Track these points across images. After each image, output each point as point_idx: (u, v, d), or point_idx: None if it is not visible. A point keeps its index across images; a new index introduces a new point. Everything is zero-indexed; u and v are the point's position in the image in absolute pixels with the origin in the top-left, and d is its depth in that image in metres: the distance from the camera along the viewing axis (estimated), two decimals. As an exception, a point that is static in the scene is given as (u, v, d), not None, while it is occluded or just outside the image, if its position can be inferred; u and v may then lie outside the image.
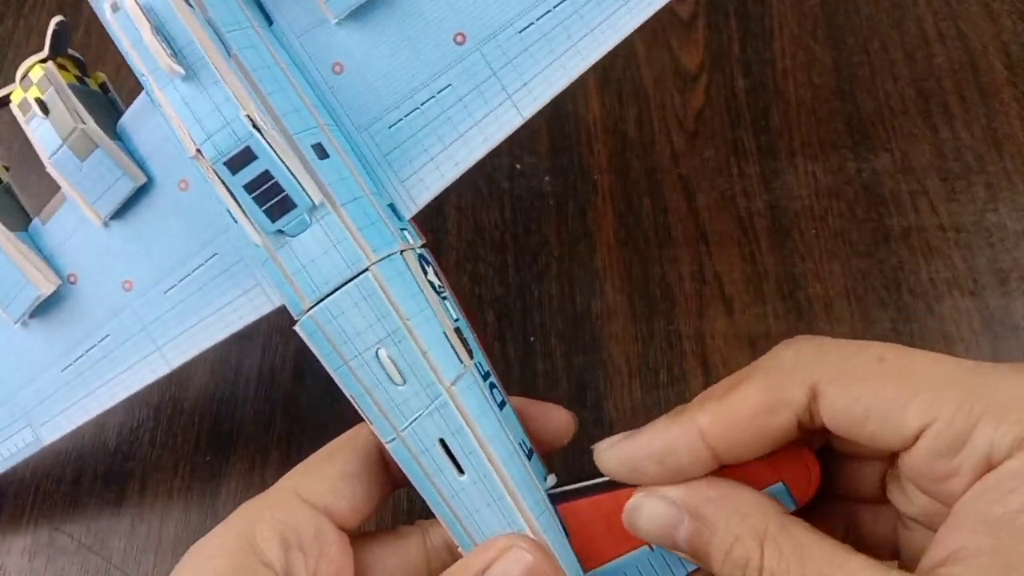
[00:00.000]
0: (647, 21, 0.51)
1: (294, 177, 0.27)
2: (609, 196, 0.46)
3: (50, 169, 0.32)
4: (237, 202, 0.28)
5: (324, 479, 0.29)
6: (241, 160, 0.27)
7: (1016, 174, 0.46)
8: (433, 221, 0.45)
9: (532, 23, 0.29)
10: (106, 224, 0.33)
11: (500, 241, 0.44)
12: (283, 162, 0.27)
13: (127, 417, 0.43)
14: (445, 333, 0.29)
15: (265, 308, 0.32)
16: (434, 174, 0.30)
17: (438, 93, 0.29)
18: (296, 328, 0.29)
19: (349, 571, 0.29)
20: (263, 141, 0.27)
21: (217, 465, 0.41)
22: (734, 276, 0.43)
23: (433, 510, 0.30)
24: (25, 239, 0.35)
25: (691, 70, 0.50)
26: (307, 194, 0.27)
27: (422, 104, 0.29)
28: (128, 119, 0.33)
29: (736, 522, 0.26)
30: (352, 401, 0.30)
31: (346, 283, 0.28)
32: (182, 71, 0.27)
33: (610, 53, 0.50)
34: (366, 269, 0.28)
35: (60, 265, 0.35)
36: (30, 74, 0.32)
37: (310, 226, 0.28)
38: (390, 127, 0.30)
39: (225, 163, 0.27)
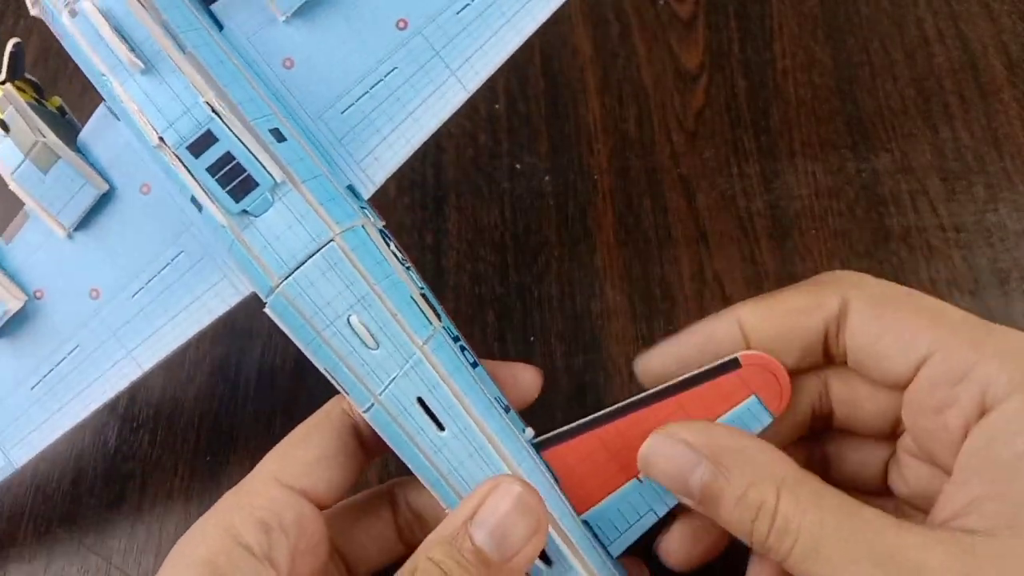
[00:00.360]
0: (647, 21, 0.51)
1: (255, 157, 0.29)
2: (609, 196, 0.46)
3: (12, 185, 0.33)
4: (200, 185, 0.29)
5: (301, 462, 0.30)
6: (203, 143, 0.29)
7: (1016, 174, 0.46)
8: (433, 221, 0.45)
9: (468, 4, 0.31)
10: (70, 236, 0.33)
11: (500, 241, 0.44)
12: (243, 143, 0.29)
13: (127, 417, 0.43)
14: (412, 297, 0.30)
15: (233, 299, 0.32)
16: (388, 153, 0.32)
17: (385, 76, 0.31)
18: (266, 310, 0.30)
19: (326, 548, 0.30)
20: (222, 124, 0.29)
21: (217, 465, 0.41)
22: (734, 276, 0.43)
23: (417, 474, 0.30)
24: None
25: (691, 70, 0.50)
26: (268, 172, 0.29)
27: (371, 88, 0.31)
28: (87, 133, 0.33)
29: (753, 469, 0.26)
30: (327, 375, 0.30)
31: (312, 255, 0.29)
32: (141, 64, 0.29)
33: (610, 53, 0.50)
34: (331, 240, 0.29)
35: (25, 281, 0.34)
36: None
37: (273, 204, 0.29)
38: (342, 112, 0.31)
39: (187, 147, 0.29)
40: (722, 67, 0.50)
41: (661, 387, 0.30)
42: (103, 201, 0.33)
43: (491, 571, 0.26)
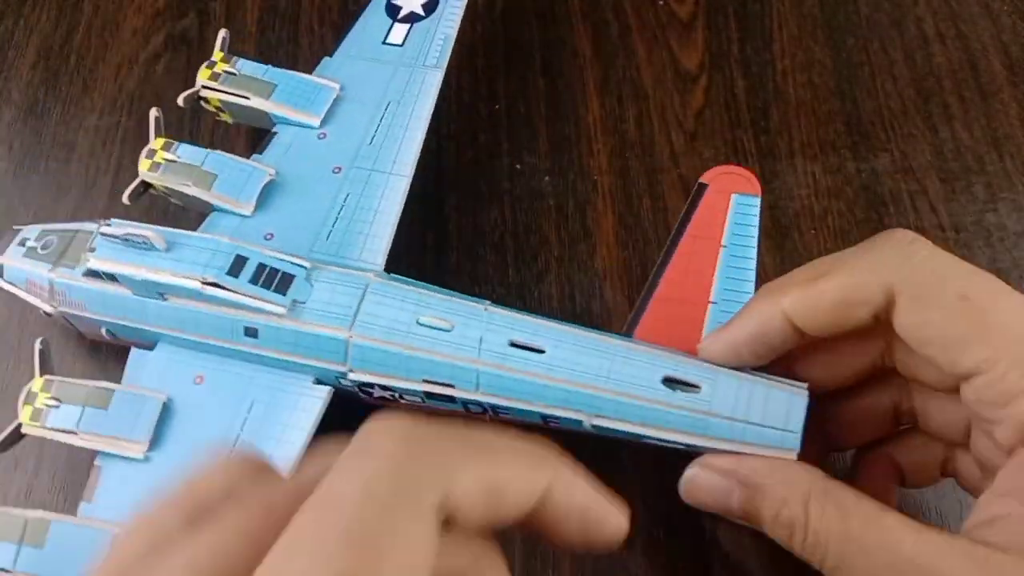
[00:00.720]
0: (647, 21, 0.51)
1: (281, 259, 0.35)
2: (609, 196, 0.46)
3: (81, 440, 0.34)
4: (250, 295, 0.34)
5: None
6: (238, 265, 0.35)
7: (1016, 174, 0.46)
8: (433, 221, 0.45)
9: (375, 132, 0.41)
10: (146, 458, 0.34)
11: (500, 241, 0.44)
12: (268, 254, 0.35)
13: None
14: (450, 292, 0.36)
15: (319, 404, 0.35)
16: (375, 242, 0.38)
17: (344, 202, 0.39)
18: (350, 376, 0.34)
19: None
20: (246, 247, 0.35)
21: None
22: (734, 276, 0.43)
23: (549, 408, 0.33)
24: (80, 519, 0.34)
25: (691, 70, 0.50)
26: (298, 264, 0.35)
27: (339, 214, 0.39)
28: (128, 379, 0.36)
29: (782, 488, 0.28)
30: (422, 388, 0.34)
31: (362, 299, 0.35)
32: (164, 242, 0.35)
33: (610, 53, 0.50)
34: (369, 282, 0.35)
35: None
36: (32, 389, 0.35)
37: (313, 287, 0.35)
38: (327, 239, 0.38)
39: (227, 273, 0.34)
40: (722, 67, 0.50)
41: (671, 238, 0.35)
42: (165, 414, 0.35)
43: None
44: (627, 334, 0.35)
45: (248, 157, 0.40)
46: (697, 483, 0.31)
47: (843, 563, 0.26)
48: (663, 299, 0.34)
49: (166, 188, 0.39)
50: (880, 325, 0.29)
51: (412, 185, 0.46)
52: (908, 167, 0.46)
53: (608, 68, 0.50)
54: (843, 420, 0.32)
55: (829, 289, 0.28)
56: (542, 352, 0.33)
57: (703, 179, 0.36)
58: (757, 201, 0.35)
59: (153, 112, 0.40)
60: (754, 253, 0.35)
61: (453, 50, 0.45)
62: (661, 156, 0.47)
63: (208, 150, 0.40)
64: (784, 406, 0.30)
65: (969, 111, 0.48)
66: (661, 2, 0.52)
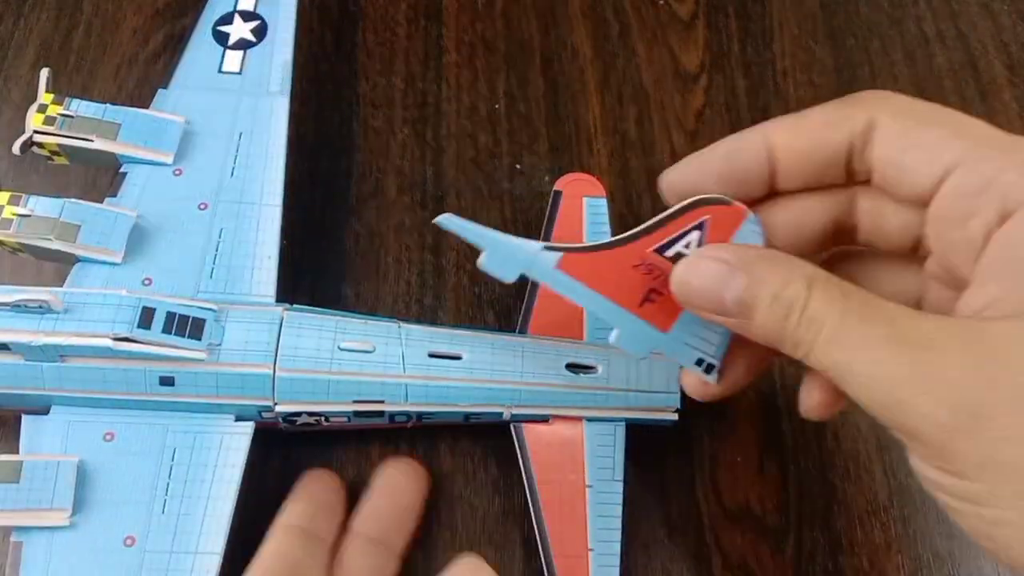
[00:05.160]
0: (647, 21, 0.51)
1: (188, 305, 0.35)
2: (609, 196, 0.46)
3: (2, 520, 0.33)
4: (166, 345, 0.34)
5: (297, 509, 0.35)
6: (147, 316, 0.34)
7: (1016, 174, 0.46)
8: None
9: (233, 167, 0.40)
10: (72, 524, 0.33)
11: (500, 241, 0.44)
12: (173, 302, 0.35)
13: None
14: (358, 313, 0.38)
15: (244, 441, 0.35)
16: (262, 274, 0.38)
17: (220, 237, 0.38)
18: (278, 408, 0.35)
19: None
20: (150, 298, 0.35)
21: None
22: (734, 276, 0.43)
23: (467, 406, 0.36)
24: None
25: (691, 70, 0.50)
26: (206, 308, 0.35)
27: (217, 250, 0.38)
28: (27, 444, 0.35)
29: (786, 270, 0.27)
30: (352, 408, 0.35)
31: (280, 332, 0.35)
32: (62, 306, 0.34)
33: (610, 53, 0.50)
34: (282, 314, 0.36)
35: None
36: None
37: (225, 327, 0.35)
38: (211, 277, 0.37)
39: (139, 326, 0.34)
40: (722, 67, 0.50)
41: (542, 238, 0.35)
42: (81, 477, 0.33)
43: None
44: (523, 331, 0.38)
45: (95, 201, 0.38)
46: (694, 272, 0.29)
47: (838, 339, 0.26)
48: (546, 295, 0.38)
49: (20, 244, 0.37)
50: (849, 178, 0.29)
51: (413, 185, 0.46)
52: (908, 167, 0.46)
53: (608, 68, 0.50)
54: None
55: (814, 113, 0.29)
56: (459, 358, 0.36)
57: (557, 186, 0.41)
58: (604, 202, 0.40)
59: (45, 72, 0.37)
60: None
61: (452, 49, 0.45)
62: (661, 156, 0.47)
63: (63, 199, 0.37)
64: (664, 373, 0.36)
65: (969, 111, 0.47)
66: (661, 2, 0.52)
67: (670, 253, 0.30)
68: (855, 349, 0.25)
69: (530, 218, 0.45)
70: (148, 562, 0.33)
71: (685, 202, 0.29)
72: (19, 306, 0.33)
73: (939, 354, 0.24)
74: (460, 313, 0.43)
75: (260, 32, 0.44)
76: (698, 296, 0.29)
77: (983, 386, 0.24)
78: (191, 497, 0.34)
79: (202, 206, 0.39)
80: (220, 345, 0.35)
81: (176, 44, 0.50)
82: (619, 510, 0.35)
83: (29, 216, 0.37)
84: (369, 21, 0.51)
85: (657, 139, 0.47)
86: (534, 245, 0.30)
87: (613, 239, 0.30)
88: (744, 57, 0.50)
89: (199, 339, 0.34)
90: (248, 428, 0.35)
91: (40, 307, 0.34)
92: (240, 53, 0.43)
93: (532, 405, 0.36)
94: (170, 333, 0.34)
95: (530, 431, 0.36)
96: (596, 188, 0.41)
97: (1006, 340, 0.24)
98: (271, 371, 0.35)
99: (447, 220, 0.31)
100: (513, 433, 0.36)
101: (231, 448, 0.35)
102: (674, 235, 0.30)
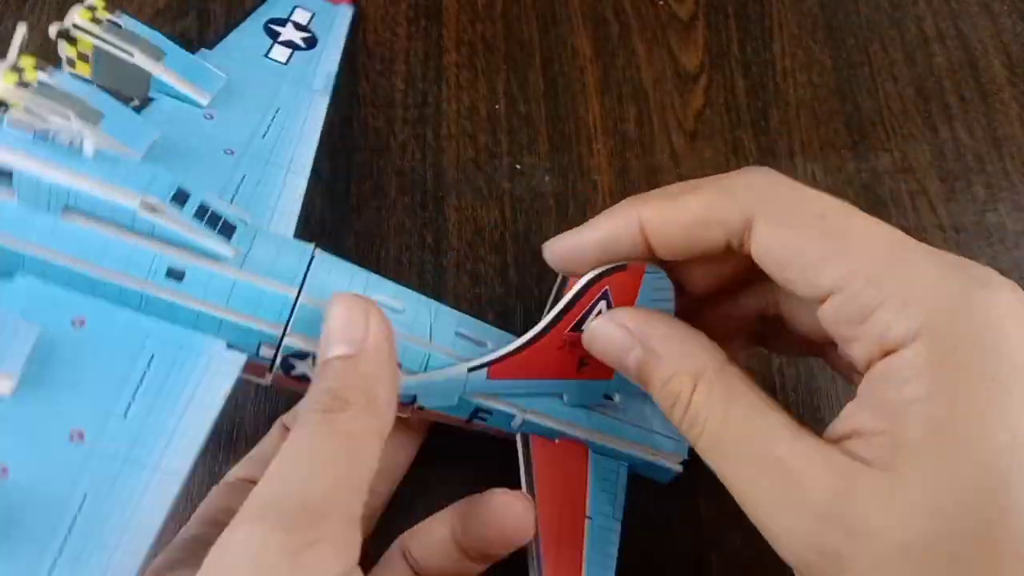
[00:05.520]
0: (647, 21, 0.51)
1: (222, 206, 0.31)
2: (609, 196, 0.46)
3: None
4: (197, 230, 0.29)
5: (248, 464, 0.34)
6: (182, 195, 0.29)
7: (1016, 174, 0.46)
8: (433, 221, 0.45)
9: (267, 131, 0.38)
10: (16, 396, 0.27)
11: (500, 241, 0.44)
12: (208, 195, 0.30)
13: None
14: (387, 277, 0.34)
15: (234, 371, 0.30)
16: (280, 228, 0.34)
17: (241, 182, 0.35)
18: (287, 340, 0.31)
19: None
20: (188, 183, 0.30)
21: (217, 465, 0.41)
22: (734, 276, 0.43)
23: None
24: None
25: (691, 70, 0.50)
26: (239, 218, 0.31)
27: (237, 190, 0.35)
28: None
29: (679, 360, 0.28)
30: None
31: (309, 265, 0.31)
32: (93, 152, 0.28)
33: (610, 53, 0.50)
34: (314, 251, 0.32)
35: None
36: None
37: (254, 241, 0.31)
38: (232, 200, 0.34)
39: (171, 200, 0.29)
40: (722, 67, 0.50)
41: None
42: (38, 351, 0.28)
43: (358, 360, 0.28)
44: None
45: None
46: (600, 332, 0.30)
47: (717, 447, 0.27)
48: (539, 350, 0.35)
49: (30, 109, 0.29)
50: (734, 255, 0.28)
51: (413, 185, 0.46)
52: (908, 167, 0.46)
53: (608, 68, 0.50)
54: (709, 327, 0.31)
55: (692, 204, 0.28)
56: (485, 345, 0.34)
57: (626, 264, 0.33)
58: (666, 284, 0.33)
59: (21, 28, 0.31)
60: None
61: (452, 49, 0.45)
62: (661, 156, 0.47)
63: (91, 85, 0.32)
64: None
65: (969, 111, 0.48)
66: (661, 2, 0.52)
67: (585, 327, 0.31)
68: (732, 463, 0.26)
69: (530, 218, 0.45)
70: (95, 465, 0.27)
71: (583, 281, 0.30)
72: (44, 135, 0.28)
73: (800, 484, 0.25)
74: (460, 313, 0.43)
75: (310, 43, 0.44)
76: (605, 357, 0.31)
77: (841, 535, 0.24)
78: (161, 410, 0.29)
79: (228, 151, 0.36)
80: (247, 254, 0.31)
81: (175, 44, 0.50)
82: (615, 549, 0.34)
83: (52, 87, 0.30)
84: (369, 21, 0.51)
85: (657, 139, 0.47)
86: (460, 370, 0.32)
87: (530, 336, 0.31)
88: (744, 57, 0.50)
89: (229, 239, 0.30)
90: (239, 359, 0.31)
91: (70, 144, 0.28)
92: (288, 51, 0.43)
93: (544, 414, 0.34)
94: (202, 221, 0.30)
95: (538, 445, 0.34)
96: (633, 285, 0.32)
97: (868, 491, 0.24)
98: (294, 295, 0.31)
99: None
100: (519, 444, 0.35)
101: (217, 373, 0.30)
102: (584, 311, 0.31)
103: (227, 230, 0.30)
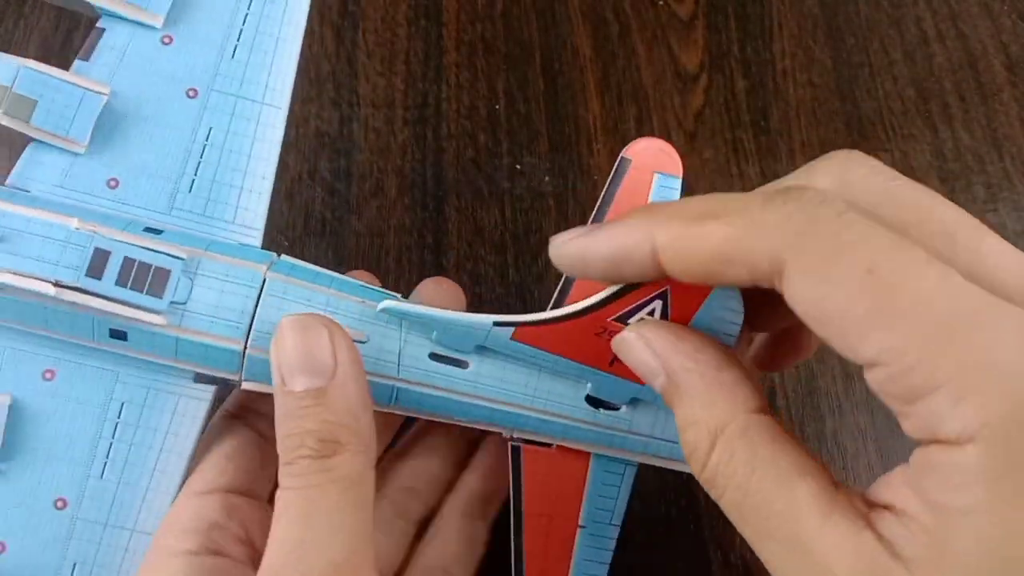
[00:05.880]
0: (647, 21, 0.51)
1: (151, 250, 0.28)
2: (609, 196, 0.46)
3: None
4: (118, 302, 0.27)
5: (212, 466, 0.30)
6: (99, 263, 0.27)
7: (1016, 174, 0.46)
8: (433, 221, 0.45)
9: (236, 46, 0.33)
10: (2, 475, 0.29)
11: (500, 241, 0.45)
12: (133, 244, 0.28)
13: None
14: (360, 284, 0.31)
15: (201, 411, 0.30)
16: (251, 198, 0.32)
17: (207, 140, 0.32)
18: (244, 385, 0.29)
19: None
20: (105, 238, 0.28)
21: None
22: (734, 276, 0.43)
23: (466, 422, 0.31)
24: None
25: (691, 70, 0.50)
26: (172, 256, 0.28)
27: (201, 156, 0.31)
28: None
29: (700, 407, 0.25)
30: None
31: (259, 300, 0.29)
32: None
33: (610, 53, 0.50)
34: (264, 278, 0.29)
35: None
36: None
37: (194, 282, 0.28)
38: (190, 191, 0.31)
39: (87, 274, 0.27)
40: (722, 67, 0.50)
41: (593, 217, 0.32)
42: (12, 414, 0.29)
43: (334, 393, 0.26)
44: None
45: (61, 53, 0.33)
46: (627, 345, 0.27)
47: (737, 513, 0.24)
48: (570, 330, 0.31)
49: None
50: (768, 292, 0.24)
51: (413, 185, 0.46)
52: (908, 167, 0.46)
53: (608, 68, 0.50)
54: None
55: (715, 238, 0.24)
56: (465, 366, 0.30)
57: (626, 153, 0.33)
58: (678, 183, 0.32)
59: None
60: None
61: (452, 49, 0.45)
62: (661, 156, 0.47)
63: (19, 61, 0.30)
64: None
65: (969, 111, 0.48)
66: (661, 2, 0.52)
67: (633, 321, 0.28)
68: (753, 536, 0.24)
69: (530, 218, 0.45)
70: (79, 531, 0.28)
71: None
72: None
73: (829, 572, 0.22)
74: (460, 313, 0.43)
75: None
76: (635, 371, 0.28)
77: None
78: (135, 465, 0.29)
79: (191, 93, 0.32)
80: (185, 305, 0.28)
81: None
82: (608, 556, 0.32)
83: None
84: (369, 21, 0.51)
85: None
86: (485, 321, 0.29)
87: (571, 310, 0.28)
88: (744, 57, 0.50)
89: (159, 296, 0.28)
90: (208, 393, 0.30)
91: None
92: None
93: (539, 433, 0.31)
94: (125, 286, 0.27)
95: (529, 455, 0.32)
96: (672, 162, 0.33)
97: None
98: (241, 347, 0.28)
99: (390, 307, 0.29)
100: (509, 452, 0.32)
101: (186, 415, 0.29)
102: (635, 304, 0.28)
103: (158, 283, 0.28)
